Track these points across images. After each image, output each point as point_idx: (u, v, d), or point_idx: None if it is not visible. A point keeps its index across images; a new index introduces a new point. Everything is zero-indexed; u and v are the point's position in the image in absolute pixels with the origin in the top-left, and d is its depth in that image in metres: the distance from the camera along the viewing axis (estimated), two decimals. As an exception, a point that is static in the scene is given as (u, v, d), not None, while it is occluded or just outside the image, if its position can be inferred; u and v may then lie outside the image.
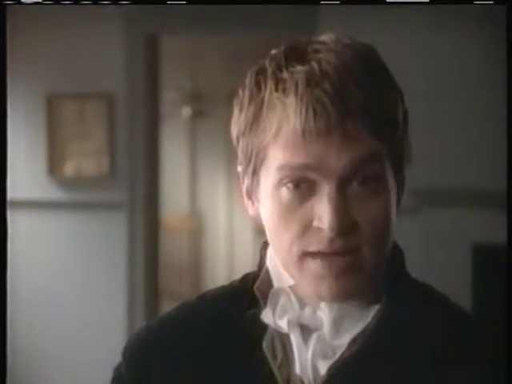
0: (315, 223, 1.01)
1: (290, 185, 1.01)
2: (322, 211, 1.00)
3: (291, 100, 0.99)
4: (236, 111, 1.06)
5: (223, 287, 1.16)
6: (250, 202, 1.10)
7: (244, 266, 7.88)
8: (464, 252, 4.27)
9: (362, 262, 1.01)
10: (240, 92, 1.06)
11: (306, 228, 1.01)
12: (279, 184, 1.02)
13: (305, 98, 0.98)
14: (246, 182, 1.08)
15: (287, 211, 1.02)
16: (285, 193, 1.02)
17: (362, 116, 0.99)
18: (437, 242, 4.29)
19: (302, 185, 1.01)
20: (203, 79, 8.33)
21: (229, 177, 8.60)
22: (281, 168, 1.01)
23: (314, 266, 1.01)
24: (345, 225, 0.99)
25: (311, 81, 0.99)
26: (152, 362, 1.10)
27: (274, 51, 1.06)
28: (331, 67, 0.99)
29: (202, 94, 8.48)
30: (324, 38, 1.04)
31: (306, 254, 1.02)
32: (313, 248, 1.01)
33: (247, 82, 1.05)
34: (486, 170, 4.19)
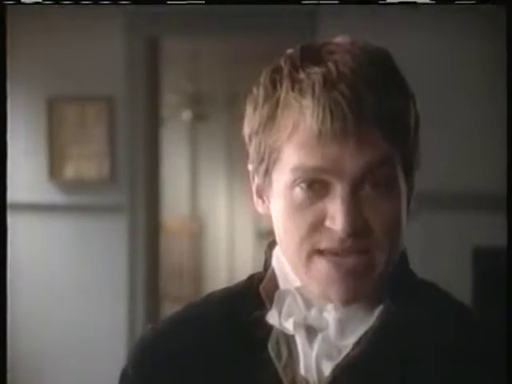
0: (327, 223, 1.01)
1: (303, 185, 1.01)
2: (335, 212, 1.00)
3: (308, 101, 0.99)
4: (250, 109, 1.06)
5: (228, 288, 1.16)
6: (260, 201, 1.10)
7: (245, 268, 7.88)
8: (464, 255, 4.26)
9: (371, 264, 1.02)
10: (254, 90, 1.05)
11: (317, 227, 1.01)
12: (293, 184, 1.02)
13: (322, 100, 0.98)
14: (257, 180, 1.08)
15: (299, 210, 1.02)
16: (298, 192, 1.02)
17: (376, 120, 0.99)
18: (437, 246, 4.28)
19: (315, 185, 1.01)
20: (204, 83, 8.33)
21: (229, 180, 8.60)
22: (295, 169, 1.01)
23: (323, 266, 1.02)
24: (357, 226, 1.00)
25: (328, 82, 0.99)
26: (158, 363, 1.10)
27: (289, 50, 1.06)
28: (348, 69, 1.00)
29: (203, 97, 8.48)
30: (338, 39, 1.05)
31: (314, 253, 1.02)
32: (323, 246, 1.01)
33: (262, 80, 1.05)
34: (486, 173, 4.19)
